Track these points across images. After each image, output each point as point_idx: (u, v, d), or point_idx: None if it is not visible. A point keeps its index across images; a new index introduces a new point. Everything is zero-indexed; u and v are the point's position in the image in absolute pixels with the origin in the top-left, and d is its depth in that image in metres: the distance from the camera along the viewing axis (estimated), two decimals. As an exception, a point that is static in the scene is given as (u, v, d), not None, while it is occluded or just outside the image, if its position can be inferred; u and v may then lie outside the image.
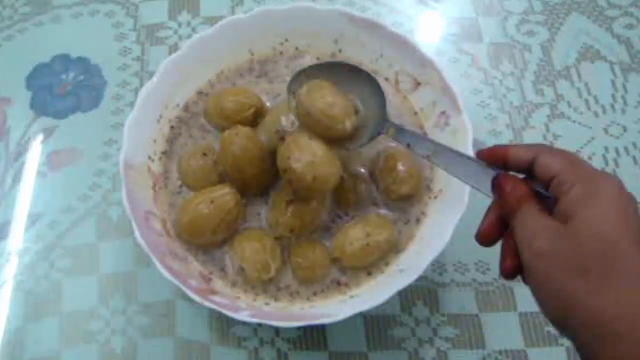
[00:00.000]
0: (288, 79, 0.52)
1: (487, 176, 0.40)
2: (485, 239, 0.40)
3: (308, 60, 0.58)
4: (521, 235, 0.36)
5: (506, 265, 0.37)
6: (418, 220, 0.52)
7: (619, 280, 0.31)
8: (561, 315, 0.33)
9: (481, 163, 0.41)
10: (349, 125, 0.47)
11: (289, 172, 0.46)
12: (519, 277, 0.51)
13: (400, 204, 0.52)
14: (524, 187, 0.37)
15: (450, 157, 0.43)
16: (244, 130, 0.51)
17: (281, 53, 0.58)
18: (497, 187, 0.38)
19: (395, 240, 0.51)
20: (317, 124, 0.47)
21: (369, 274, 0.50)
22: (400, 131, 0.47)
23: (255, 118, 0.54)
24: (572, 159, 0.37)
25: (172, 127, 0.55)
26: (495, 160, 0.40)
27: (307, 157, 0.46)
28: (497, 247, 0.55)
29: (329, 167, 0.47)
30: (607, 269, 0.31)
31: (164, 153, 0.54)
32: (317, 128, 0.47)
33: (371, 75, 0.50)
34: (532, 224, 0.35)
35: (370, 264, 0.50)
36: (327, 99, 0.47)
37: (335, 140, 0.48)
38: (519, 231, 0.36)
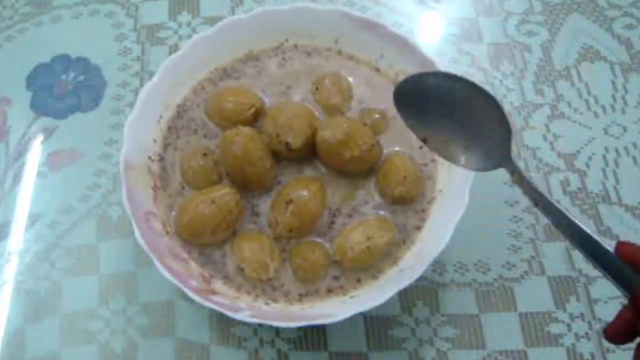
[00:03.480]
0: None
1: (627, 277, 0.35)
2: (613, 336, 0.37)
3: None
4: None
5: None
6: (418, 220, 0.52)
7: None
8: None
9: (623, 269, 0.36)
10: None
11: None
12: (519, 277, 0.51)
13: (400, 204, 0.52)
14: None
15: (582, 236, 0.37)
16: (245, 129, 0.51)
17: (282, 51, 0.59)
18: (634, 300, 0.35)
19: (395, 243, 0.51)
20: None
21: (369, 274, 0.50)
22: (528, 185, 0.41)
23: (256, 118, 0.54)
24: None
25: (171, 127, 0.55)
26: (634, 262, 0.35)
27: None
28: (497, 247, 0.56)
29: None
30: None
31: (163, 153, 0.54)
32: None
33: (496, 100, 0.43)
34: None
35: (371, 266, 0.50)
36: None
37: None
38: None
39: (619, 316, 0.37)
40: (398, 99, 0.45)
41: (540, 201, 0.40)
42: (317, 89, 0.56)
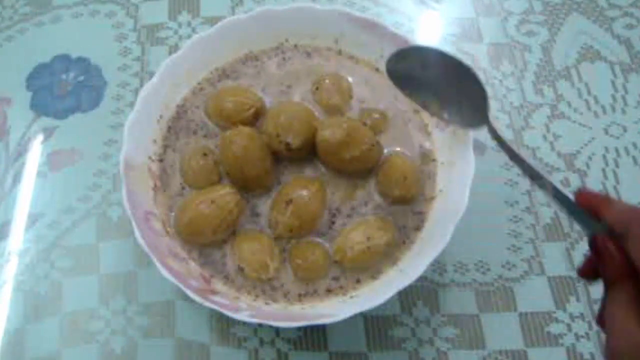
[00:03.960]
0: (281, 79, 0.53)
1: (585, 226, 0.40)
2: (584, 274, 0.41)
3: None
4: (608, 322, 0.36)
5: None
6: (418, 221, 0.52)
7: None
8: None
9: (584, 214, 0.40)
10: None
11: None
12: (519, 277, 0.51)
13: (400, 204, 0.52)
14: (621, 261, 0.37)
15: (553, 189, 0.42)
16: (245, 130, 0.51)
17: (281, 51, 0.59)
18: (595, 249, 0.38)
19: (395, 242, 0.51)
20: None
21: (369, 274, 0.50)
22: (506, 146, 0.47)
23: (256, 118, 0.54)
24: None
25: (171, 127, 0.55)
26: (593, 209, 0.39)
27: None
28: (497, 248, 0.56)
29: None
30: None
31: (163, 153, 0.54)
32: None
33: (470, 68, 0.50)
34: (619, 318, 0.35)
35: (371, 266, 0.50)
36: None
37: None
38: (608, 315, 0.36)
39: (588, 256, 0.40)
40: (390, 72, 0.53)
41: (514, 158, 0.46)
42: (317, 88, 0.56)
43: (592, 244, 0.38)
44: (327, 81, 0.56)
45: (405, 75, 0.53)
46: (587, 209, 0.39)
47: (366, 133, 0.51)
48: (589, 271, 0.40)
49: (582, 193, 0.40)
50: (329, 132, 0.50)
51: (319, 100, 0.56)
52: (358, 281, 0.50)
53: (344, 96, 0.56)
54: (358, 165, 0.52)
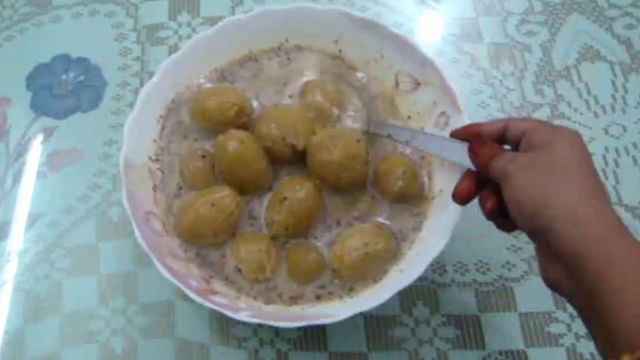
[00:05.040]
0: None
1: (461, 149, 0.45)
2: (462, 196, 0.45)
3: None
4: (499, 167, 0.41)
5: (488, 205, 0.42)
6: (418, 221, 0.52)
7: (579, 182, 0.38)
8: (537, 211, 0.38)
9: (455, 140, 0.47)
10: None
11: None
12: (519, 277, 0.51)
13: (399, 204, 0.52)
14: (495, 145, 0.44)
15: (427, 139, 0.50)
16: (238, 133, 0.51)
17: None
18: (472, 151, 0.44)
19: (393, 249, 0.50)
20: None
21: (370, 279, 0.50)
22: (378, 124, 0.53)
23: (239, 116, 0.53)
24: (538, 120, 0.45)
25: (170, 127, 0.55)
26: (470, 135, 0.46)
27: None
28: (497, 247, 0.55)
29: None
30: (570, 175, 0.39)
31: (163, 153, 0.54)
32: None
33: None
34: (509, 156, 0.41)
35: (368, 274, 0.50)
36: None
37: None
38: (496, 167, 0.41)
39: (462, 181, 0.46)
40: None
41: (392, 132, 0.52)
42: (308, 90, 0.55)
43: (470, 148, 0.44)
44: (319, 84, 0.56)
45: None
46: (463, 137, 0.46)
47: (358, 151, 0.50)
48: (467, 190, 0.45)
49: (456, 130, 0.47)
50: (325, 157, 0.50)
51: (312, 103, 0.55)
52: (351, 289, 0.50)
53: (337, 101, 0.56)
54: (353, 184, 0.52)
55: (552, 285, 0.39)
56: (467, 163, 0.45)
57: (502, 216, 0.42)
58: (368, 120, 0.54)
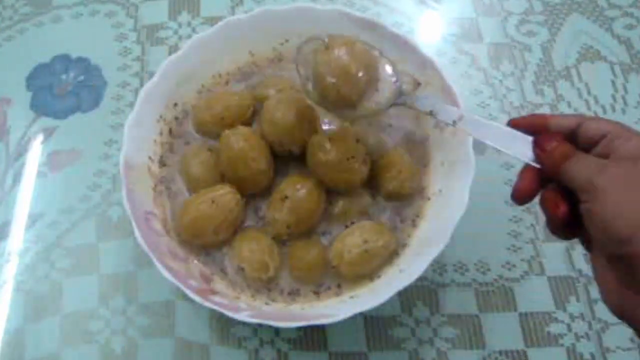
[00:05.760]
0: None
1: (524, 141, 0.41)
2: (521, 196, 0.41)
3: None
4: (582, 175, 0.36)
5: (559, 212, 0.38)
6: (417, 221, 0.52)
7: None
8: (635, 234, 0.33)
9: (515, 130, 0.42)
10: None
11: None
12: (519, 277, 0.51)
13: (399, 203, 0.52)
14: (567, 144, 0.38)
15: (479, 124, 0.44)
16: (242, 129, 0.51)
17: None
18: (538, 146, 0.39)
19: (393, 246, 0.50)
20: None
21: (369, 277, 0.50)
22: (419, 98, 0.48)
23: (241, 120, 0.54)
24: (621, 124, 0.39)
25: (171, 127, 0.55)
26: (533, 127, 0.41)
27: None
28: (497, 247, 0.55)
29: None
30: None
31: (164, 153, 0.54)
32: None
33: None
34: (594, 164, 0.36)
35: (369, 271, 0.50)
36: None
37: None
38: (578, 174, 0.37)
39: (522, 178, 0.41)
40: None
41: (435, 109, 0.47)
42: (333, 47, 0.49)
43: (535, 143, 0.40)
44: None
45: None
46: (521, 129, 0.41)
47: (358, 151, 0.50)
48: (527, 189, 0.40)
49: (515, 119, 0.42)
50: (323, 154, 0.50)
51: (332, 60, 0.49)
52: (358, 281, 0.50)
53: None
54: (353, 185, 0.52)
55: (628, 318, 0.36)
56: (527, 158, 0.40)
57: (569, 224, 0.38)
58: (399, 92, 0.49)
